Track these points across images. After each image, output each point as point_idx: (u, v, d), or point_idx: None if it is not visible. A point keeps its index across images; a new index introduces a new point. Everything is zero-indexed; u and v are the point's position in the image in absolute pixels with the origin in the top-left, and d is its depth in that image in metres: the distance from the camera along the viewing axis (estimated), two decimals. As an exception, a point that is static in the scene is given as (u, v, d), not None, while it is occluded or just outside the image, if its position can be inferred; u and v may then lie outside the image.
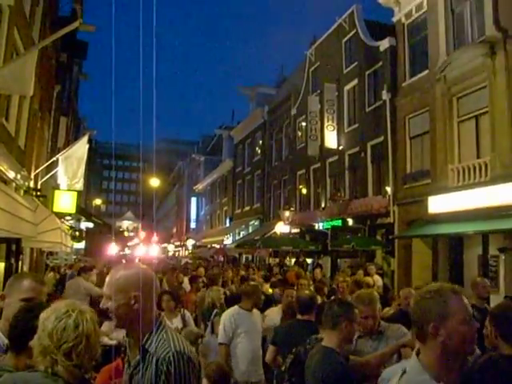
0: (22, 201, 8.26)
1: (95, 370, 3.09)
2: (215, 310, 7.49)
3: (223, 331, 6.21)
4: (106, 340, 6.36)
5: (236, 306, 6.46)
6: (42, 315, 2.20)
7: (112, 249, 31.29)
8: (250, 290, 6.58)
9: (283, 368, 4.50)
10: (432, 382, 2.11)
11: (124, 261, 25.59)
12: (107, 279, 2.55)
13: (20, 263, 12.08)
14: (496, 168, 13.88)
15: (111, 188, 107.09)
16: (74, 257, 25.33)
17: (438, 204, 15.85)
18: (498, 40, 14.11)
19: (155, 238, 60.30)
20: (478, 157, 15.02)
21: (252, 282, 8.69)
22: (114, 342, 5.93)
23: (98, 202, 58.30)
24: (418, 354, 2.23)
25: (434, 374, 2.13)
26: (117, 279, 2.48)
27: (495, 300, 14.01)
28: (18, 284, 2.91)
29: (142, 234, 60.82)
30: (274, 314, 7.32)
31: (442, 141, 16.28)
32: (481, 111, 15.08)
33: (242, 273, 14.31)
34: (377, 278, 13.60)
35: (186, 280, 12.69)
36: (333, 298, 7.78)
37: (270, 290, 11.01)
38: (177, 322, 7.20)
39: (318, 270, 14.29)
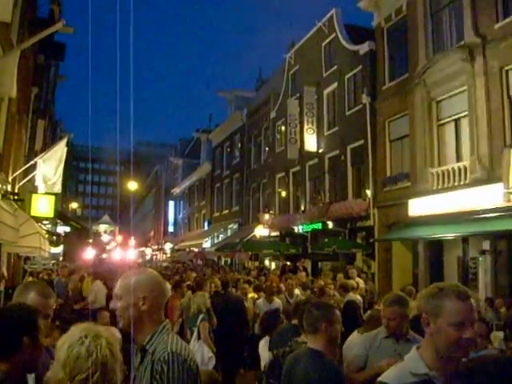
0: (3, 205, 8.08)
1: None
2: (201, 315, 7.43)
3: None
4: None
5: None
6: (58, 343, 2.04)
7: (90, 253, 30.93)
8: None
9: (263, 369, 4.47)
10: (425, 369, 2.21)
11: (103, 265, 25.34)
12: (119, 282, 2.61)
13: (3, 269, 11.82)
14: (476, 171, 14.04)
15: (87, 192, 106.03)
16: (53, 261, 24.93)
17: (417, 207, 15.98)
18: (476, 45, 14.30)
19: (132, 241, 59.81)
20: (458, 160, 15.19)
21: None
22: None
23: (74, 205, 57.61)
24: (417, 348, 2.35)
25: (429, 364, 2.23)
26: (128, 281, 2.54)
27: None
28: (22, 298, 2.80)
29: (119, 238, 60.20)
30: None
31: (421, 144, 16.43)
32: (460, 115, 15.26)
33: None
34: (359, 280, 13.63)
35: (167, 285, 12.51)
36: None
37: (254, 295, 10.98)
38: None
39: (303, 274, 14.28)
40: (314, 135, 23.85)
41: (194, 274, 13.44)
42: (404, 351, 2.44)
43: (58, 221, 23.90)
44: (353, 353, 4.47)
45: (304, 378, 3.50)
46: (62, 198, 38.09)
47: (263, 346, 4.65)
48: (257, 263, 25.10)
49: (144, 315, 2.50)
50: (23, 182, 15.65)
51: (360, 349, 4.39)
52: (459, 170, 14.73)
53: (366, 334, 4.55)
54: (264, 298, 9.48)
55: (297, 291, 10.75)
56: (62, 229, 25.77)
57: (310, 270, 21.71)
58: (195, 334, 7.15)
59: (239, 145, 35.64)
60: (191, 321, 7.53)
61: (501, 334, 9.02)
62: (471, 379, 1.82)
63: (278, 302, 9.49)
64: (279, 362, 4.11)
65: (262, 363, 5.32)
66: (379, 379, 2.35)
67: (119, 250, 50.62)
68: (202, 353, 6.79)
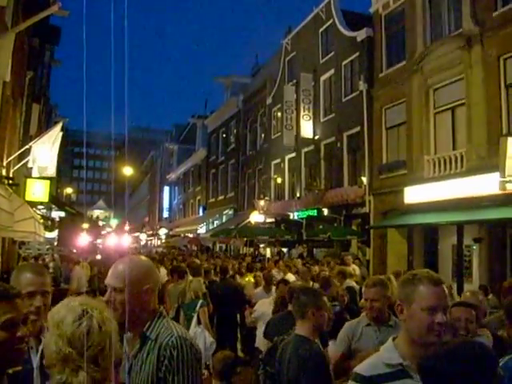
0: (-2, 190, 8.03)
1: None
2: (200, 301, 7.40)
3: None
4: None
5: None
6: (53, 316, 1.95)
7: (85, 238, 30.87)
8: None
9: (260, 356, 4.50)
10: (398, 359, 2.23)
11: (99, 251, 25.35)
12: (112, 271, 2.51)
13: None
14: (472, 159, 14.06)
15: (82, 177, 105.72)
16: (48, 246, 24.90)
17: (413, 194, 16.02)
18: (474, 33, 14.26)
19: (127, 226, 59.77)
20: (454, 148, 15.20)
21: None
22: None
23: (68, 190, 57.46)
24: (394, 339, 2.36)
25: (403, 354, 2.25)
26: (129, 272, 2.39)
27: (469, 289, 14.30)
28: (17, 280, 2.76)
29: (114, 223, 60.16)
30: (266, 306, 7.30)
31: (418, 132, 16.42)
32: (457, 103, 15.25)
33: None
34: (354, 267, 13.67)
35: (162, 271, 12.50)
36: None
37: (251, 278, 11.02)
38: None
39: (298, 260, 14.31)
40: (311, 122, 23.80)
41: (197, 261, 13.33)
42: (386, 339, 2.44)
43: (53, 206, 23.83)
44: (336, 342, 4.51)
45: (289, 364, 3.55)
46: (56, 183, 37.98)
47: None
48: (251, 249, 25.14)
49: (145, 305, 2.46)
50: (18, 166, 15.56)
51: (341, 336, 4.43)
52: (455, 158, 14.75)
53: (348, 323, 4.58)
54: (262, 288, 9.49)
55: (291, 277, 10.76)
56: (57, 214, 25.68)
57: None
58: (195, 319, 7.12)
59: (235, 131, 35.53)
60: (189, 307, 7.51)
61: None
62: (443, 364, 1.83)
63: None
64: (276, 348, 4.12)
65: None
66: (354, 370, 2.38)
67: (114, 235, 50.54)
68: (204, 338, 6.79)
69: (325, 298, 3.87)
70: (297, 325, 3.77)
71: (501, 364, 2.64)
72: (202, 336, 6.72)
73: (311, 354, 3.48)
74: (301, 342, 3.59)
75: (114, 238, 48.05)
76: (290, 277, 10.65)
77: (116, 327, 2.04)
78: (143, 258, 2.78)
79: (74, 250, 24.37)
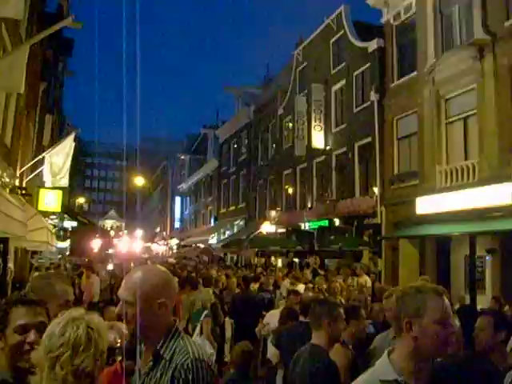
0: (12, 199, 8.10)
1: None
2: (205, 311, 7.50)
3: None
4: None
5: None
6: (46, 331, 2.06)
7: (97, 248, 31.03)
8: None
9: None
10: (393, 375, 2.17)
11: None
12: (125, 282, 2.41)
13: (10, 264, 11.87)
14: (484, 170, 13.97)
15: (94, 187, 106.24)
16: (59, 256, 25.03)
17: (425, 205, 15.92)
18: (486, 43, 14.21)
19: (139, 236, 59.90)
20: (466, 158, 15.12)
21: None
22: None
23: (81, 200, 57.73)
24: (389, 353, 2.29)
25: (400, 369, 2.18)
26: (141, 285, 2.31)
27: (482, 301, 14.18)
28: (51, 287, 2.86)
29: (126, 233, 60.34)
30: (276, 318, 7.31)
31: (429, 142, 16.36)
32: (469, 113, 15.18)
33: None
34: (366, 278, 13.61)
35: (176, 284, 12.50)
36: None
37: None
38: None
39: (308, 271, 14.27)
40: (322, 132, 23.81)
41: (214, 271, 13.35)
42: None
43: (65, 215, 24.00)
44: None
45: (300, 372, 3.59)
46: (69, 193, 38.23)
47: None
48: (263, 260, 25.10)
49: (159, 319, 2.37)
50: (31, 176, 15.71)
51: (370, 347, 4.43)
52: (467, 168, 14.66)
53: (379, 336, 4.59)
54: None
55: (287, 283, 10.85)
56: (69, 224, 25.87)
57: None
58: (197, 329, 7.21)
59: (246, 141, 35.63)
60: (195, 316, 7.59)
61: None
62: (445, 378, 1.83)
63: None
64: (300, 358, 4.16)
65: None
66: None
67: (126, 245, 50.59)
68: (203, 347, 6.82)
69: (340, 309, 3.89)
70: (313, 335, 3.80)
71: None
72: (202, 346, 6.75)
73: (324, 364, 3.51)
74: (315, 352, 3.61)
75: (127, 245, 48.16)
76: (301, 288, 10.65)
77: (96, 343, 2.03)
78: (160, 268, 2.57)
79: (86, 260, 24.42)
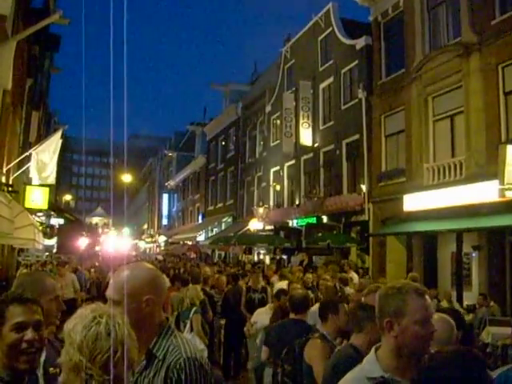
0: (-2, 197, 8.03)
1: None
2: (194, 308, 7.53)
3: None
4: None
5: None
6: (67, 326, 1.88)
7: (84, 245, 30.86)
8: None
9: (279, 369, 4.50)
10: (380, 372, 2.21)
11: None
12: (112, 281, 2.38)
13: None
14: (471, 167, 14.09)
15: (81, 184, 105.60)
16: (46, 253, 24.86)
17: (412, 202, 16.02)
18: (473, 42, 14.32)
19: (126, 234, 59.67)
20: (453, 156, 15.23)
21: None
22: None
23: (67, 197, 57.45)
24: (376, 349, 2.34)
25: (385, 366, 2.23)
26: (126, 282, 2.28)
27: (468, 297, 14.33)
28: (41, 284, 2.85)
29: (113, 230, 60.09)
30: (263, 316, 7.36)
31: (417, 140, 16.46)
32: (456, 111, 15.29)
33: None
34: (353, 274, 13.68)
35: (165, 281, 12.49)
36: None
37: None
38: None
39: (297, 268, 14.29)
40: (310, 129, 23.84)
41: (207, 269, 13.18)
42: None
43: (52, 213, 23.83)
44: None
45: (330, 367, 3.58)
46: (55, 190, 37.98)
47: None
48: (251, 257, 25.09)
49: (147, 317, 2.33)
50: (17, 173, 15.58)
51: None
52: (454, 165, 14.78)
53: None
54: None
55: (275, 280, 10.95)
56: (56, 221, 25.69)
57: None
58: (188, 326, 7.26)
59: (234, 138, 35.58)
60: (184, 314, 7.63)
61: (495, 329, 9.06)
62: (433, 374, 1.86)
63: None
64: (294, 350, 4.15)
65: None
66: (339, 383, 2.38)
67: (113, 242, 50.43)
68: (194, 344, 6.85)
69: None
70: (352, 336, 3.85)
71: (498, 373, 2.67)
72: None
73: (347, 359, 3.48)
74: (348, 349, 3.65)
75: (113, 242, 47.96)
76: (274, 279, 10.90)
77: (132, 333, 1.93)
78: (147, 265, 2.56)
79: (73, 257, 24.30)
